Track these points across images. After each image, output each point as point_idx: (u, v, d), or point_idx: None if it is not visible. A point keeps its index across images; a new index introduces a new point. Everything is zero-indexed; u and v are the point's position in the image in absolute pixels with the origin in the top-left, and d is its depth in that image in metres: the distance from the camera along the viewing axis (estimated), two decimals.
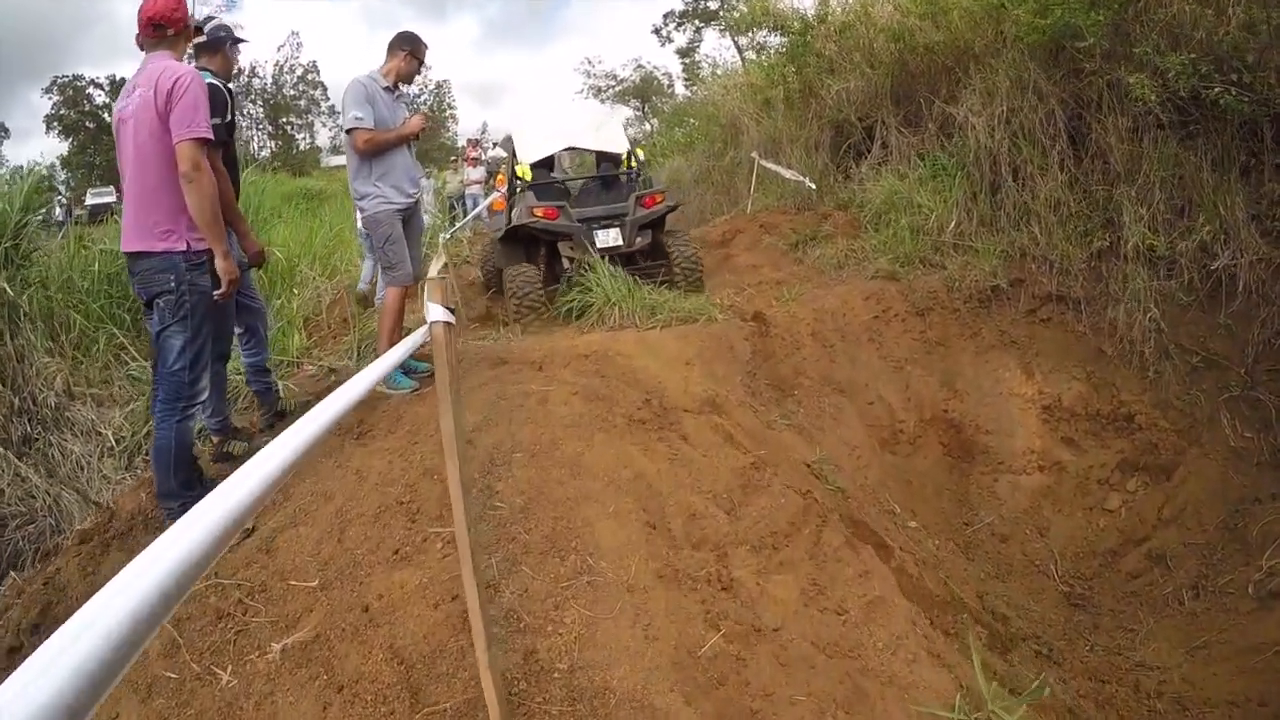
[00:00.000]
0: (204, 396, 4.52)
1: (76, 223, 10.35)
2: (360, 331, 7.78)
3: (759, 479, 4.60)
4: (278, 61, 54.29)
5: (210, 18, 5.52)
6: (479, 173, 18.27)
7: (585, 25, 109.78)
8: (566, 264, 8.62)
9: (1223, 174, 7.48)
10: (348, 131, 5.76)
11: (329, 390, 6.17)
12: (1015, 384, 7.80)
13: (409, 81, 6.24)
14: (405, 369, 6.09)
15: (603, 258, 8.13)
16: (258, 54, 61.37)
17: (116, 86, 49.28)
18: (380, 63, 6.09)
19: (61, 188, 40.01)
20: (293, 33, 62.59)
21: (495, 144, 32.09)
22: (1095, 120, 8.57)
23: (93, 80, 50.13)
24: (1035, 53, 9.06)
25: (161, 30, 4.25)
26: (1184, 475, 6.89)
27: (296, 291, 10.06)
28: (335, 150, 56.05)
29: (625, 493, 4.18)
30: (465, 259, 12.04)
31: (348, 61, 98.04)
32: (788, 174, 11.03)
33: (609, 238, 8.40)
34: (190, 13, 4.43)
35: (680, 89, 47.42)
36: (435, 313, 2.17)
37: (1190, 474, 6.86)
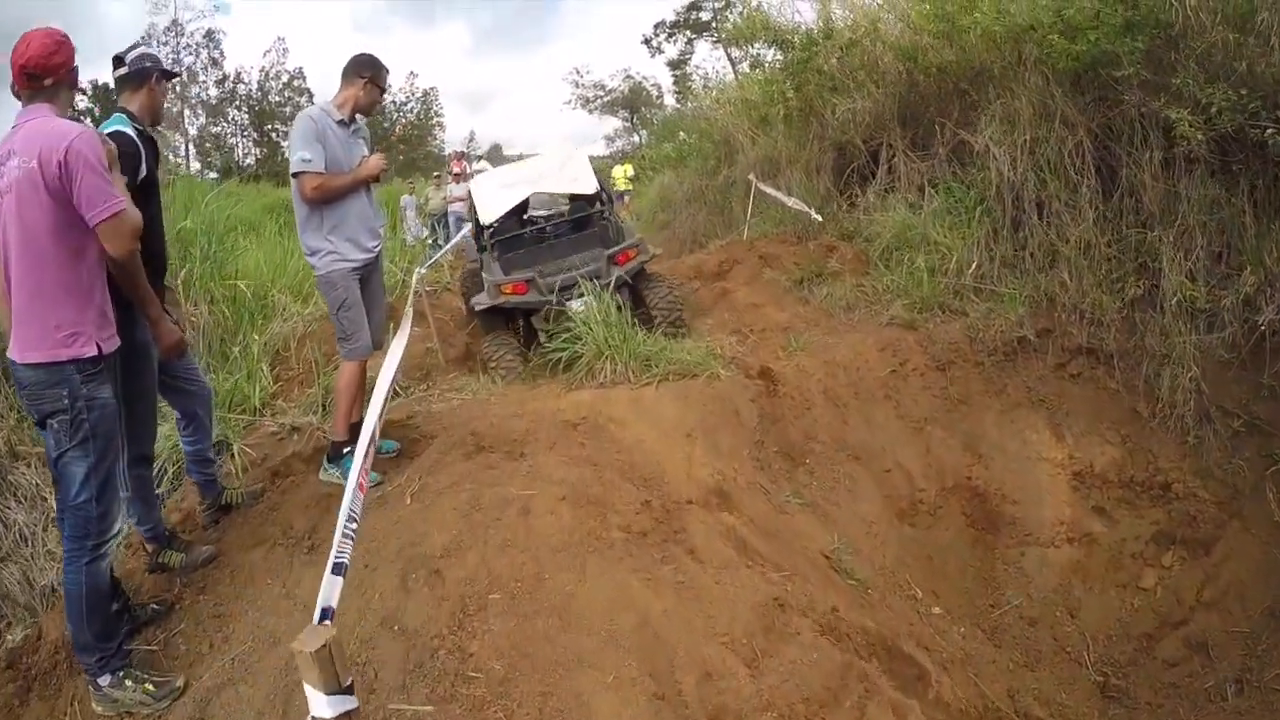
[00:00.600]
0: (116, 530, 3.68)
1: None
2: (326, 379, 6.93)
3: (784, 622, 3.81)
4: (263, 68, 52.79)
5: (135, 44, 4.59)
6: (464, 189, 17.18)
7: (576, 33, 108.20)
8: (541, 335, 7.94)
9: (1268, 220, 6.81)
10: (294, 175, 4.89)
11: (291, 459, 5.44)
12: (1044, 447, 7.05)
13: (368, 114, 5.39)
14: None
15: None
16: (243, 60, 60.25)
17: (99, 91, 47.87)
18: (335, 92, 5.26)
19: None
20: (279, 38, 61.29)
21: (480, 156, 31.11)
22: (1126, 154, 7.82)
23: (82, 89, 48.17)
24: (1060, 77, 8.30)
25: (37, 80, 3.39)
26: (1225, 552, 6.29)
27: (263, 325, 9.19)
28: None
29: (626, 650, 3.38)
30: (446, 285, 11.19)
31: (335, 68, 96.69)
32: (790, 202, 10.19)
33: (581, 306, 7.54)
34: (72, 53, 3.53)
35: (670, 101, 46.58)
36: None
37: (1232, 551, 6.26)
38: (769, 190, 10.81)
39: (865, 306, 8.08)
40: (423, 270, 8.33)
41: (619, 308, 7.16)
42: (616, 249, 8.12)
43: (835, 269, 8.70)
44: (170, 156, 47.10)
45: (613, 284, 7.46)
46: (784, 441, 6.44)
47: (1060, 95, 8.23)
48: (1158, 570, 6.46)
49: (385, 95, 5.50)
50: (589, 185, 9.07)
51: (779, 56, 12.44)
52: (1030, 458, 7.01)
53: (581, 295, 7.42)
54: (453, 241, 11.59)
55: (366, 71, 5.16)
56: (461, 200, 16.46)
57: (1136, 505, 6.73)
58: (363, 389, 5.21)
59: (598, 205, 9.34)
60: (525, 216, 9.82)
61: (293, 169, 4.89)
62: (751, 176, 11.42)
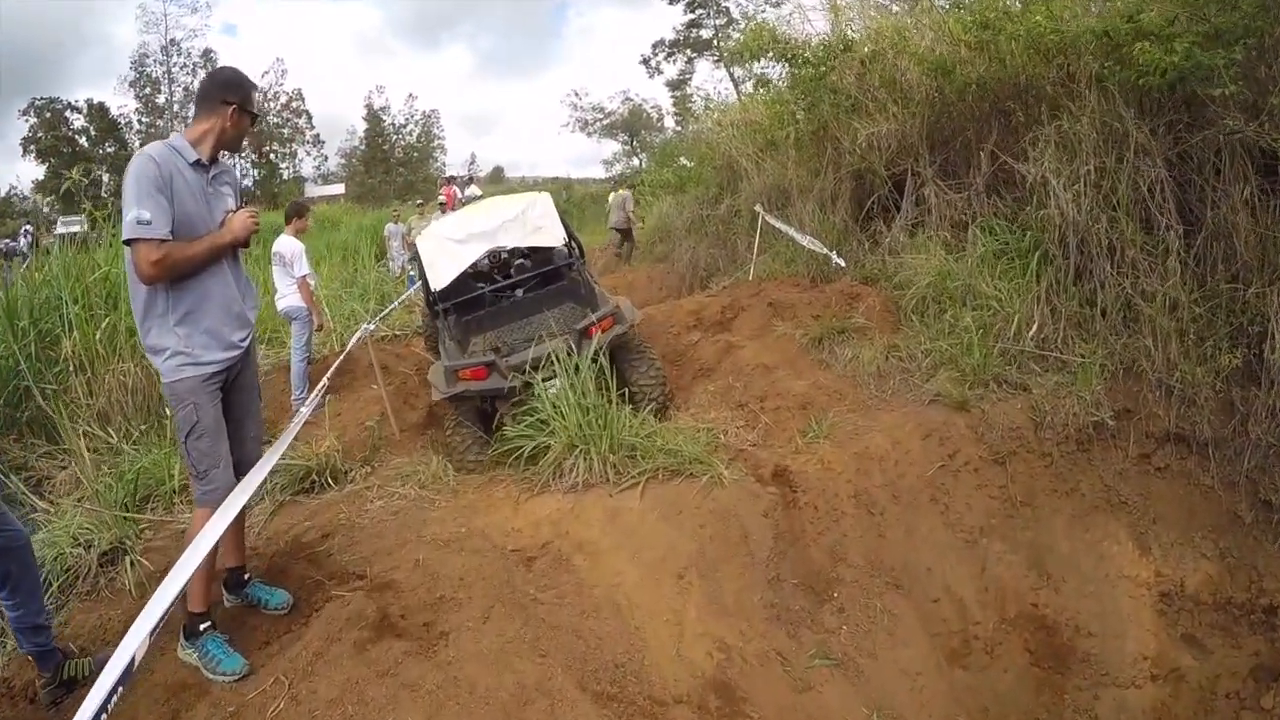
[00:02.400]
0: None
1: (46, 253, 8.61)
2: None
3: None
4: (262, 89, 50.60)
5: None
6: None
7: (578, 55, 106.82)
8: (507, 420, 6.34)
9: None
10: (126, 243, 3.38)
11: None
12: (1125, 562, 5.48)
13: (235, 150, 3.84)
14: (252, 600, 4.00)
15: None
16: None
17: (94, 110, 46.45)
18: (200, 123, 3.72)
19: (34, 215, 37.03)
20: (277, 59, 59.48)
21: (471, 179, 29.48)
22: (1211, 188, 6.25)
23: (69, 103, 47.02)
24: (1129, 96, 6.67)
25: None
26: None
27: None
28: (324, 179, 53.39)
29: None
30: (416, 329, 9.52)
31: (336, 91, 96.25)
32: (804, 241, 8.43)
33: (551, 389, 5.95)
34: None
35: (670, 123, 44.89)
36: None
37: None
38: (779, 225, 9.08)
39: (901, 375, 6.38)
40: (370, 327, 6.67)
41: (599, 386, 5.53)
42: (589, 321, 6.53)
43: (860, 324, 6.98)
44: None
45: (589, 356, 5.80)
46: (805, 569, 4.81)
47: (1130, 117, 6.60)
48: (1257, 714, 5.09)
49: (257, 123, 4.00)
50: (555, 236, 7.51)
51: (788, 73, 10.75)
52: (1109, 576, 5.46)
53: (552, 377, 5.82)
54: (409, 290, 9.85)
55: (234, 95, 3.67)
56: None
57: (1234, 633, 5.31)
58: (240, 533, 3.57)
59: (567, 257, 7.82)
60: (483, 268, 8.21)
61: (125, 234, 3.34)
62: (758, 208, 9.68)
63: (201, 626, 3.59)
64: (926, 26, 8.45)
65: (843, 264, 7.82)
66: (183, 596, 2.82)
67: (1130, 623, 5.32)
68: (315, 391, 4.91)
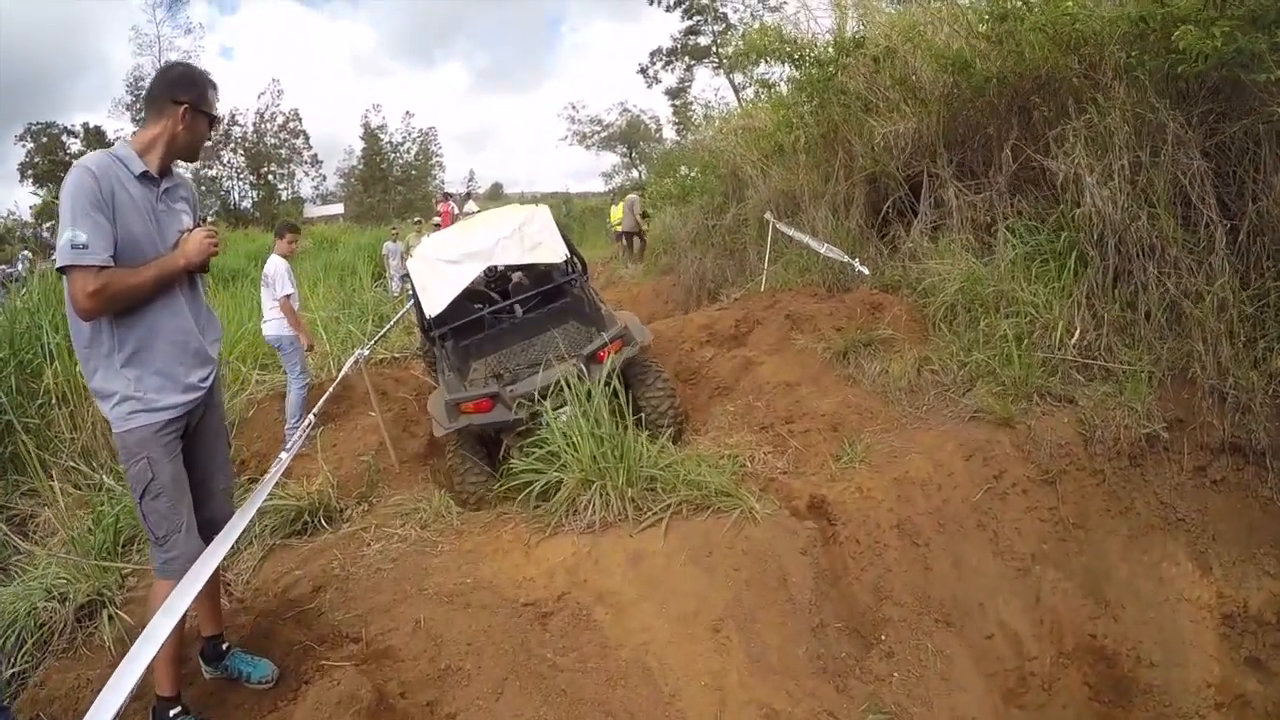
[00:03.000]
0: None
1: (43, 278, 7.88)
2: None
3: None
4: (258, 110, 50.10)
5: None
6: None
7: (573, 69, 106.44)
8: (515, 452, 5.85)
9: None
10: (61, 271, 2.88)
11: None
12: (1185, 584, 5.00)
13: (191, 158, 3.30)
14: (233, 673, 3.47)
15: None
16: (239, 102, 58.20)
17: (90, 134, 45.81)
18: (155, 127, 3.17)
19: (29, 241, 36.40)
20: (273, 80, 58.68)
21: (469, 195, 28.94)
22: (1252, 180, 5.78)
23: (66, 128, 46.47)
24: (1162, 86, 6.19)
25: None
26: None
27: None
28: (323, 199, 52.73)
29: None
30: (416, 351, 8.96)
31: (333, 110, 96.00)
32: (822, 249, 7.86)
33: (560, 419, 5.41)
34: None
35: (669, 133, 44.20)
36: None
37: None
38: (792, 233, 8.53)
39: (936, 390, 5.83)
40: (364, 352, 6.12)
41: (612, 412, 5.00)
42: (597, 345, 5.99)
43: (887, 335, 6.43)
44: None
45: (601, 380, 5.28)
46: (850, 611, 4.30)
47: (1164, 108, 6.11)
48: None
49: (217, 127, 3.43)
50: (555, 252, 6.92)
51: (793, 76, 10.24)
52: (1168, 600, 4.97)
53: (562, 405, 5.32)
54: (403, 310, 9.25)
55: (185, 93, 3.11)
56: None
57: None
58: (183, 626, 3.04)
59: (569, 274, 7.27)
60: (479, 286, 7.63)
61: (59, 260, 2.86)
62: (768, 216, 9.14)
63: (171, 713, 3.09)
64: (943, 20, 7.94)
65: (866, 271, 7.29)
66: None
67: (1192, 648, 4.88)
68: (301, 428, 4.30)
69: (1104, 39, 6.56)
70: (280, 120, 50.19)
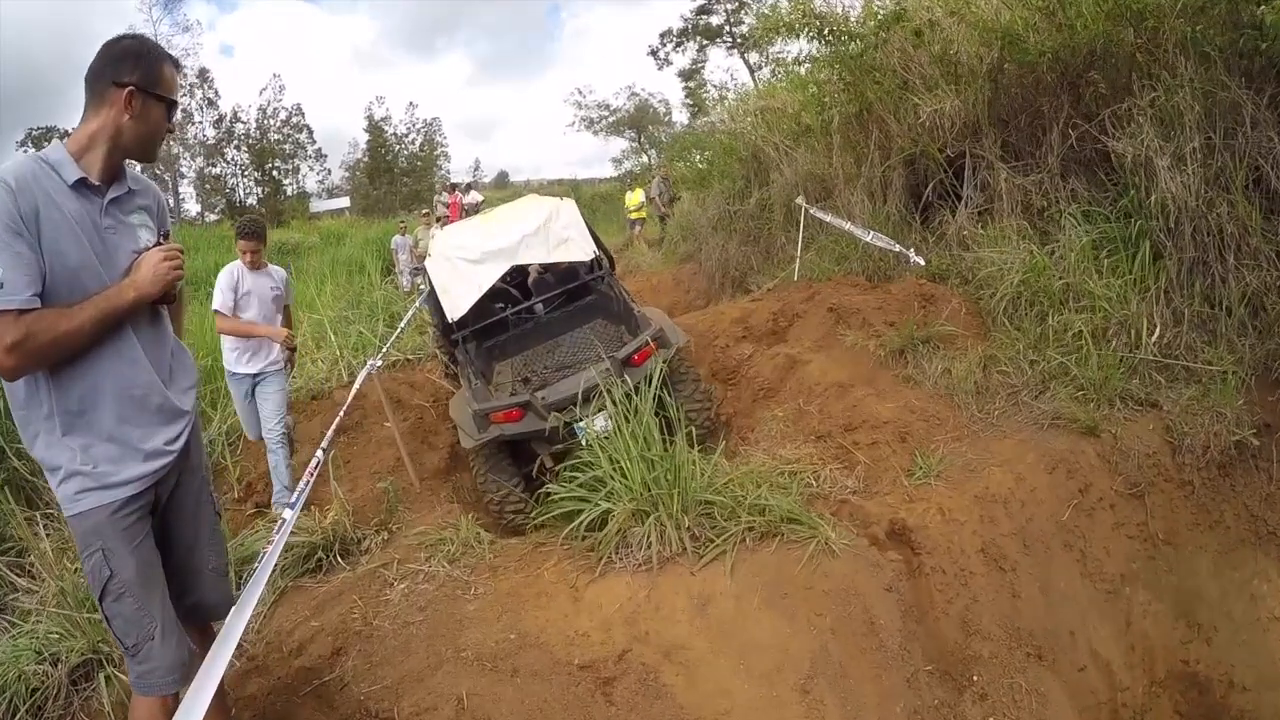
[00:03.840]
0: None
1: None
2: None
3: None
4: (261, 106, 49.04)
5: None
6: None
7: (577, 55, 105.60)
8: (548, 460, 5.50)
9: None
10: None
11: None
12: (1276, 602, 4.50)
13: (146, 156, 2.57)
14: None
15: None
16: (240, 98, 57.09)
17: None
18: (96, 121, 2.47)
19: None
20: (274, 75, 57.45)
21: (470, 186, 28.19)
22: None
23: (66, 132, 45.89)
24: (1231, 62, 5.62)
25: None
26: None
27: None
28: (329, 194, 51.85)
29: None
30: (430, 353, 8.35)
31: (335, 104, 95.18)
32: (868, 238, 7.20)
33: (595, 427, 5.08)
34: None
35: (679, 116, 43.18)
36: None
37: None
38: (829, 218, 7.88)
39: (1006, 392, 5.24)
40: (377, 363, 5.52)
41: (660, 427, 4.42)
42: (632, 348, 5.46)
43: (946, 331, 5.84)
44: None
45: (653, 389, 4.70)
46: (938, 651, 3.77)
47: (1237, 86, 5.54)
48: None
49: (175, 114, 2.63)
50: (584, 249, 6.30)
51: (827, 52, 9.58)
52: (1260, 620, 4.49)
53: (601, 409, 4.81)
54: (410, 311, 8.58)
55: (129, 71, 2.41)
56: None
57: None
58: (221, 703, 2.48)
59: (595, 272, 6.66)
60: (498, 285, 6.83)
61: None
62: (800, 200, 8.51)
63: None
64: None
65: (921, 262, 6.67)
66: None
67: None
68: (300, 485, 3.51)
69: (1165, 10, 5.98)
70: (283, 116, 49.41)
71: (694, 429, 4.86)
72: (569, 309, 6.39)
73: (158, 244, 2.50)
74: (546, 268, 7.43)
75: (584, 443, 4.79)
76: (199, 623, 2.67)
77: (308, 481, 3.36)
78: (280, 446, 5.47)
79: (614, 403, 4.50)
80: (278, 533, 2.88)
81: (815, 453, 4.81)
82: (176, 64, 2.58)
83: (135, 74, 2.40)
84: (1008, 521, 4.29)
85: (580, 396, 4.97)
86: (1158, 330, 5.24)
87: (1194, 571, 4.62)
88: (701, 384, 5.98)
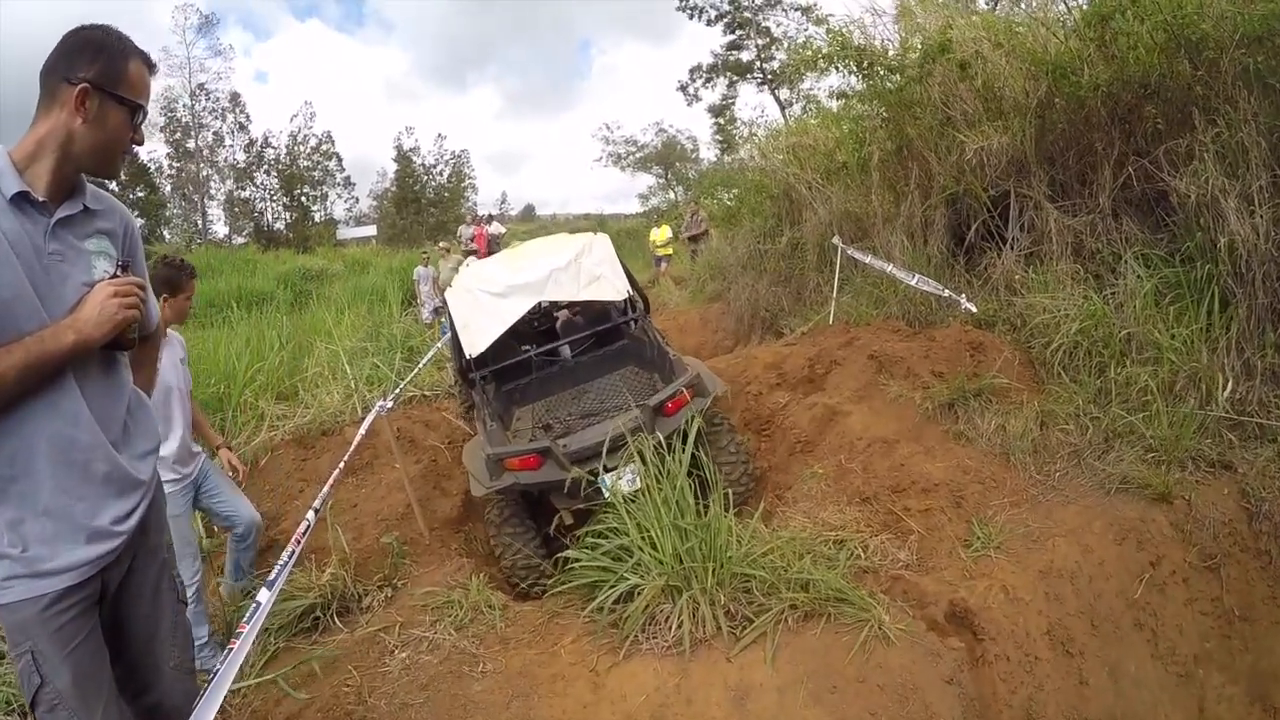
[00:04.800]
0: None
1: None
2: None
3: None
4: (291, 132, 49.80)
5: None
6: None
7: (605, 91, 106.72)
8: (568, 517, 5.04)
9: None
10: None
11: None
12: None
13: (106, 170, 2.15)
14: None
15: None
16: (271, 124, 57.38)
17: None
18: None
19: None
20: (306, 102, 57.92)
21: (492, 218, 28.02)
22: None
23: None
24: None
25: None
26: None
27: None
28: (356, 221, 52.14)
29: None
30: (448, 389, 7.97)
31: (365, 133, 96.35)
32: (912, 280, 6.67)
33: (622, 482, 4.63)
34: None
35: (706, 153, 43.06)
36: None
37: None
38: (869, 260, 7.46)
39: (1067, 452, 4.80)
40: (387, 404, 5.13)
41: (696, 485, 4.02)
42: (665, 395, 5.02)
43: (997, 383, 5.41)
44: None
45: (687, 445, 4.29)
46: None
47: None
48: None
49: (141, 121, 2.18)
50: (617, 288, 5.90)
51: (849, 89, 9.24)
52: None
53: (629, 464, 4.44)
54: (431, 351, 8.19)
55: (84, 65, 2.02)
56: None
57: None
58: None
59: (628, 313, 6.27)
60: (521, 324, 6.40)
61: None
62: (836, 240, 8.11)
63: None
64: (1040, 22, 6.95)
65: (974, 309, 6.23)
66: None
67: None
68: (285, 554, 2.95)
69: (1224, 42, 5.61)
70: (313, 143, 49.99)
71: (730, 491, 4.47)
72: (598, 354, 6.01)
73: (114, 276, 2.08)
74: (577, 309, 7.07)
75: (608, 498, 4.40)
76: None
77: (293, 552, 2.97)
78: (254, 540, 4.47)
79: (643, 459, 4.10)
80: (249, 619, 2.48)
81: (862, 518, 4.37)
82: (149, 63, 2.16)
83: (92, 69, 2.01)
84: (1075, 599, 3.85)
85: (606, 447, 4.58)
86: (1230, 385, 4.81)
87: (1271, 650, 4.17)
88: (736, 436, 5.56)
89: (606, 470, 4.68)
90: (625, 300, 6.06)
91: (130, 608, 2.22)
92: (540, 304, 6.32)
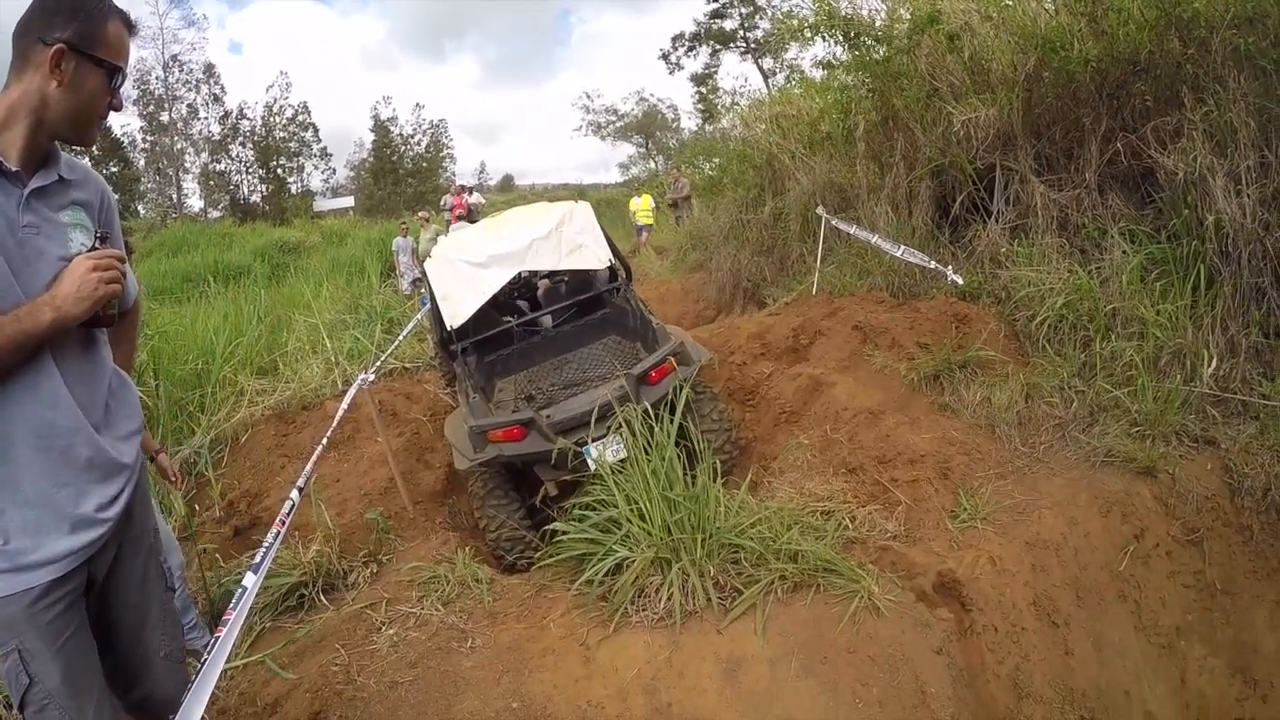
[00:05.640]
0: None
1: None
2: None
3: None
4: (267, 103, 48.70)
5: None
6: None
7: (586, 61, 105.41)
8: (552, 489, 4.98)
9: None
10: None
11: None
12: None
13: (80, 137, 2.04)
14: None
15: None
16: (246, 95, 56.04)
17: None
18: None
19: None
20: (281, 72, 56.73)
21: (470, 189, 27.63)
22: None
23: None
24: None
25: None
26: None
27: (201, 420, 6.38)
28: (334, 193, 51.42)
29: None
30: (429, 361, 7.88)
31: (341, 103, 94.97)
32: (898, 252, 6.63)
33: (608, 451, 4.65)
34: None
35: (687, 123, 42.79)
36: None
37: None
38: (854, 231, 7.42)
39: (1052, 425, 4.81)
40: (369, 376, 5.05)
41: (683, 455, 3.99)
42: (650, 364, 4.98)
43: (983, 355, 5.41)
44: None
45: (676, 414, 4.24)
46: (988, 716, 3.35)
47: None
48: None
49: (120, 83, 2.05)
50: (599, 256, 5.80)
51: (833, 59, 9.17)
52: None
53: (614, 434, 4.46)
54: (411, 323, 8.03)
55: (60, 25, 1.90)
56: None
57: None
58: None
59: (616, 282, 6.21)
60: (503, 294, 6.42)
61: None
62: (820, 210, 8.08)
63: None
64: None
65: (960, 281, 6.22)
66: None
67: None
68: (270, 535, 2.86)
69: (1216, 20, 5.62)
70: (289, 114, 49.11)
71: (717, 460, 4.45)
72: (580, 323, 5.92)
73: (93, 249, 1.98)
74: (558, 278, 6.99)
75: (594, 469, 4.38)
76: (150, 714, 2.23)
77: (278, 533, 2.92)
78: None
79: (631, 430, 4.06)
80: (235, 605, 2.42)
81: (848, 488, 4.37)
82: (129, 23, 2.04)
83: (69, 29, 1.89)
84: (1060, 571, 3.88)
85: (593, 415, 4.54)
86: (1214, 361, 4.84)
87: (1251, 623, 4.25)
88: (720, 404, 5.54)
89: (592, 440, 4.65)
90: (607, 269, 6.00)
91: (118, 598, 2.14)
92: (521, 274, 6.25)
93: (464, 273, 5.59)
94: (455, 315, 5.44)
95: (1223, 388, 4.83)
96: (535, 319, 6.20)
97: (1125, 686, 3.82)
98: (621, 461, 4.29)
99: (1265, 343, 4.96)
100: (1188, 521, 4.24)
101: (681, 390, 4.50)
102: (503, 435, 4.75)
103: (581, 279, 6.52)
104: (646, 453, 3.83)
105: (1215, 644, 4.16)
